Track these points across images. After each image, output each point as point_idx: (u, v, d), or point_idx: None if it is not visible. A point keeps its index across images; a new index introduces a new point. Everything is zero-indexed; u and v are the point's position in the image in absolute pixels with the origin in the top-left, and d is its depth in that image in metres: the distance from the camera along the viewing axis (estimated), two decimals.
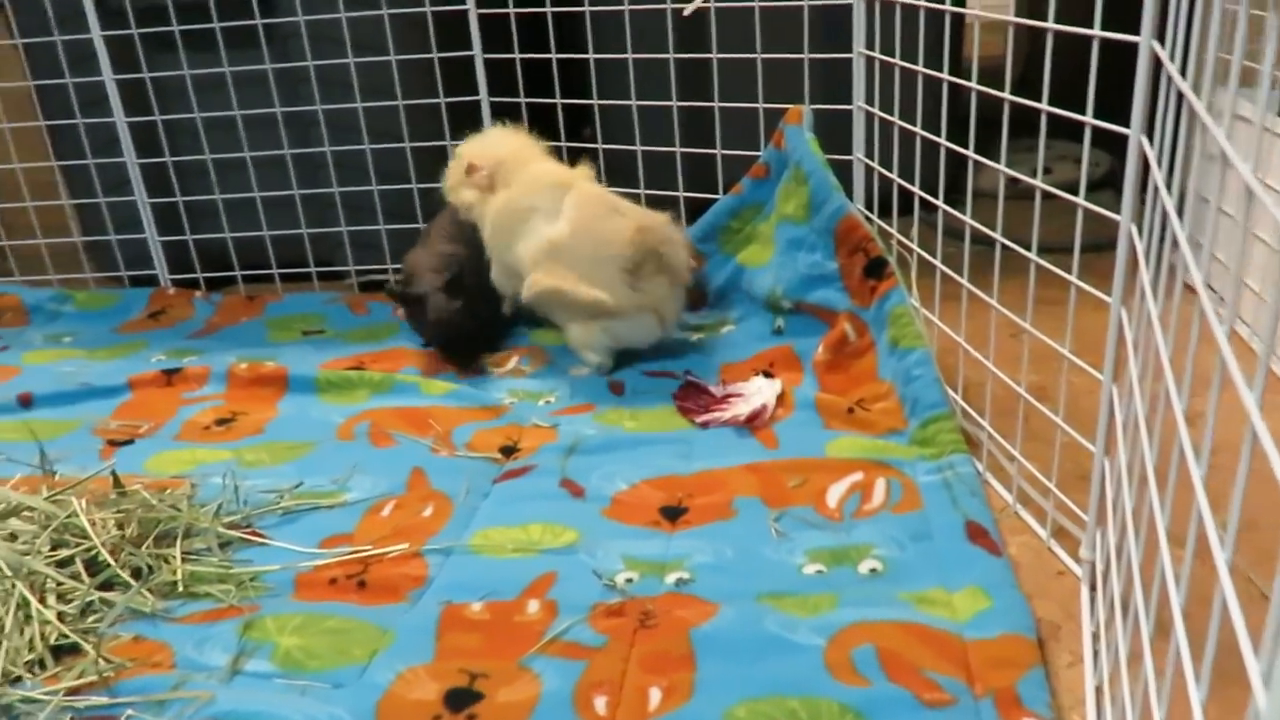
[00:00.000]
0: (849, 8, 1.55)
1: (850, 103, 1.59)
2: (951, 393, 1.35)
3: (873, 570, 1.07)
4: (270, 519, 1.25)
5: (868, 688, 0.89)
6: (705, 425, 1.40)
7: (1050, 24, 1.00)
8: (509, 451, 1.38)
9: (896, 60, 1.40)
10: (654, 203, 1.90)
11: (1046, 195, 1.07)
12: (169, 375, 1.68)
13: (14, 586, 1.03)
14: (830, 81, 1.72)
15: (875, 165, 1.53)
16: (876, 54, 1.49)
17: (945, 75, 1.25)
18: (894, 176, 1.42)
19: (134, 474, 1.36)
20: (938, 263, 1.34)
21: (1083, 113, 0.97)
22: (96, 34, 1.92)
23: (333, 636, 1.02)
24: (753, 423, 1.39)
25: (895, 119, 1.41)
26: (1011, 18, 1.14)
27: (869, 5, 1.52)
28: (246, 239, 2.05)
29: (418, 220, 1.97)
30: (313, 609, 1.07)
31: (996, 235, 1.17)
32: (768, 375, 1.50)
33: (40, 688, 0.95)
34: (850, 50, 1.57)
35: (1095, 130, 0.97)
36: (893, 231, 1.49)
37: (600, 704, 0.91)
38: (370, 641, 1.01)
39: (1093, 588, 1.06)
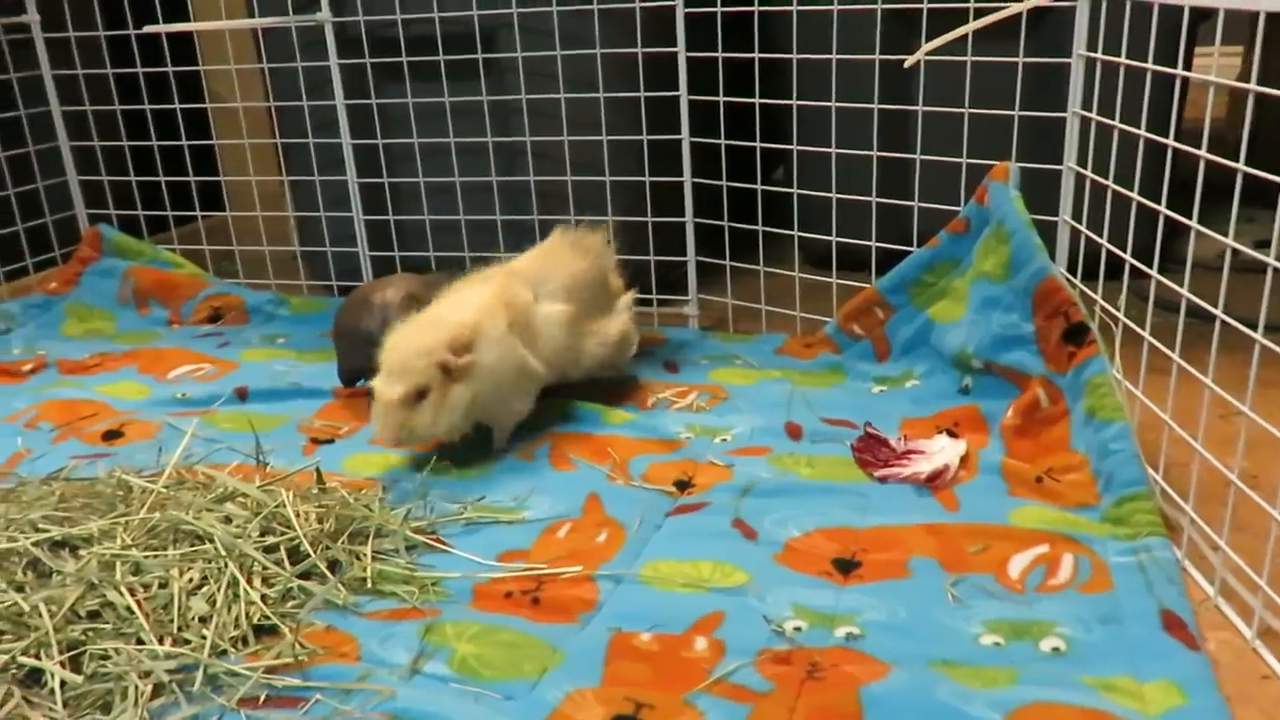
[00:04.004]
0: (1065, 66, 1.51)
1: (1058, 162, 1.54)
2: (1151, 472, 1.28)
3: (1055, 649, 1.03)
4: (453, 528, 1.31)
5: None
6: (884, 480, 1.38)
7: None
8: (683, 486, 1.40)
9: (1117, 123, 1.36)
10: (845, 251, 1.89)
11: (1262, 268, 1.01)
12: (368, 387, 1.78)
13: (226, 566, 1.11)
14: (1037, 140, 1.68)
15: (1083, 228, 1.48)
16: (1094, 114, 1.44)
17: (1171, 141, 1.20)
18: (1103, 241, 1.37)
19: (333, 471, 1.45)
20: (1145, 334, 1.27)
21: None
22: (334, 61, 2.07)
23: (507, 649, 1.06)
24: (933, 482, 1.36)
25: (1110, 182, 1.36)
26: (1253, 86, 1.08)
27: (1089, 64, 1.48)
28: (449, 258, 2.16)
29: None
30: (489, 620, 1.11)
31: (1217, 311, 1.11)
32: (951, 434, 1.46)
33: (243, 663, 1.02)
34: (1063, 109, 1.53)
35: None
36: (1097, 298, 1.43)
37: None
38: (541, 658, 1.04)
39: None
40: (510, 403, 1.50)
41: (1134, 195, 1.28)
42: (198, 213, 2.33)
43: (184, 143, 2.27)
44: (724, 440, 1.53)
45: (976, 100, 1.69)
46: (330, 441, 1.60)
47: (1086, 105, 1.48)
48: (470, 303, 1.46)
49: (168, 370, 1.93)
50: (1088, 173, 1.45)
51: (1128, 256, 1.32)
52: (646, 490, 1.39)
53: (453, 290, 1.51)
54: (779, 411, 1.60)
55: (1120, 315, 1.33)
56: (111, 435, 1.65)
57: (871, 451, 1.44)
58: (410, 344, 1.39)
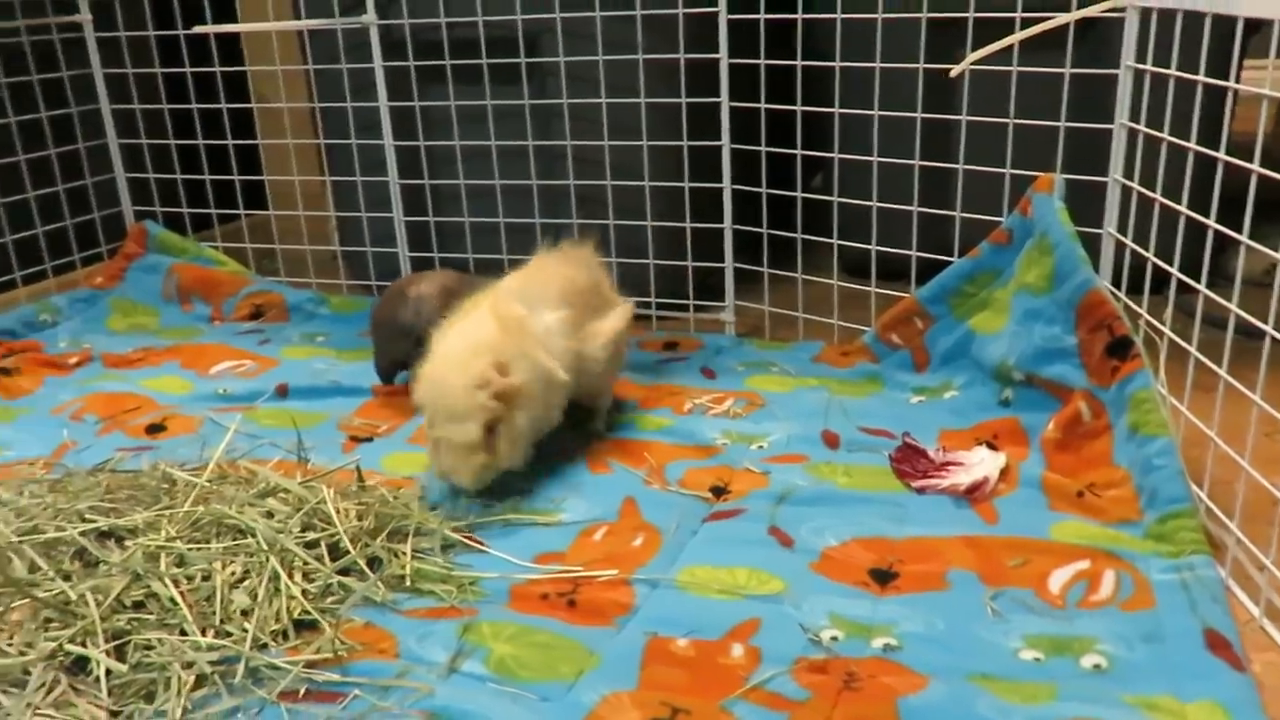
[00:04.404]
0: (1110, 77, 1.50)
1: (1102, 174, 1.53)
2: (1196, 489, 1.27)
3: (1096, 666, 1.02)
4: (490, 529, 1.32)
5: None
6: (921, 490, 1.37)
7: None
8: (719, 492, 1.40)
9: (1165, 135, 1.34)
10: (884, 261, 1.88)
11: None
12: (408, 386, 1.79)
13: (268, 560, 1.13)
14: (1082, 152, 1.66)
15: (1129, 241, 1.46)
16: (1141, 126, 1.43)
17: (1222, 155, 1.19)
18: (1149, 255, 1.35)
19: (371, 469, 1.46)
20: (1192, 349, 1.26)
21: None
22: (378, 64, 2.09)
23: (543, 650, 1.06)
24: (972, 494, 1.35)
25: (1158, 195, 1.34)
26: None
27: (1137, 76, 1.47)
28: (488, 260, 2.17)
29: (648, 256, 2.04)
30: (525, 621, 1.12)
31: (1266, 327, 1.10)
32: (991, 446, 1.45)
33: (283, 657, 1.03)
34: (1107, 121, 1.52)
35: None
36: (1142, 312, 1.41)
37: None
38: (578, 661, 1.05)
39: None
40: (545, 419, 1.43)
41: (1182, 209, 1.27)
42: (241, 211, 2.36)
43: (229, 142, 2.30)
44: (760, 447, 1.53)
45: (1020, 111, 1.68)
46: (369, 439, 1.62)
47: (1134, 117, 1.47)
48: (476, 331, 1.38)
49: (209, 366, 1.96)
50: (1134, 185, 1.44)
51: (1174, 270, 1.31)
52: (683, 495, 1.39)
53: (446, 328, 1.41)
54: (816, 420, 1.59)
55: (1165, 330, 1.32)
56: (155, 429, 1.67)
57: (909, 462, 1.43)
58: (457, 383, 1.30)
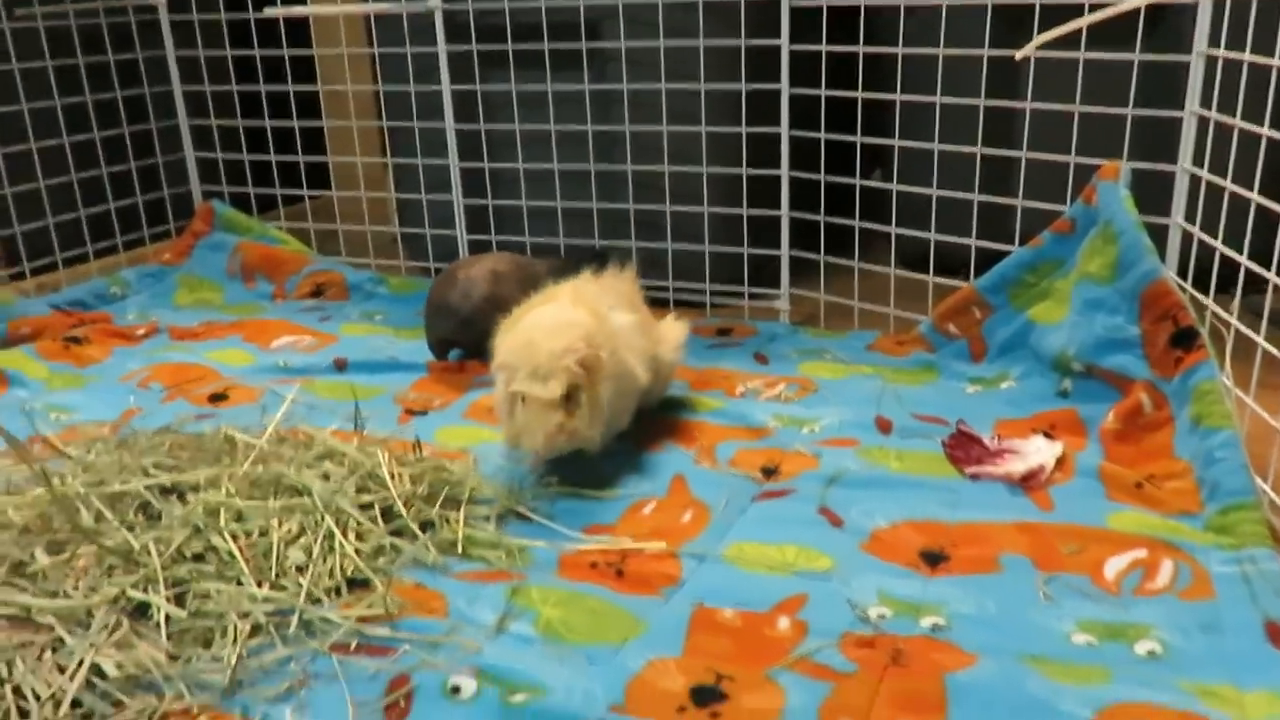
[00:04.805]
0: (1178, 64, 1.47)
1: (1173, 163, 1.50)
2: (1260, 483, 1.24)
3: (1151, 653, 1.00)
4: (540, 501, 1.33)
5: None
6: (975, 477, 1.36)
7: None
8: (769, 473, 1.40)
9: (1238, 121, 1.31)
10: (942, 254, 1.86)
11: None
12: (462, 364, 1.82)
13: (323, 519, 1.15)
14: (1148, 140, 1.63)
15: (1195, 230, 1.43)
16: (1213, 114, 1.40)
17: None
18: (1218, 244, 1.32)
19: (426, 442, 1.48)
20: (1260, 339, 1.23)
21: None
22: (442, 48, 2.12)
23: (591, 616, 1.07)
24: (1027, 482, 1.33)
25: (1228, 183, 1.32)
26: None
27: (1209, 62, 1.44)
28: (543, 244, 2.19)
29: (704, 242, 2.04)
30: (574, 587, 1.13)
31: None
32: (1048, 436, 1.43)
33: (336, 611, 1.05)
34: (1175, 108, 1.49)
35: None
36: (1208, 303, 1.38)
37: None
38: (625, 628, 1.05)
39: None
40: (619, 414, 1.42)
41: (1253, 195, 1.24)
42: (304, 191, 2.40)
43: (294, 123, 2.35)
44: (812, 431, 1.52)
45: (1085, 99, 1.65)
46: (424, 413, 1.64)
47: (1205, 104, 1.44)
48: (566, 312, 1.37)
49: (270, 340, 2.00)
50: (1204, 173, 1.41)
51: (1243, 258, 1.28)
52: (733, 475, 1.39)
53: (525, 309, 1.40)
54: (869, 406, 1.58)
55: (1233, 320, 1.29)
56: (217, 398, 1.71)
57: (964, 449, 1.42)
58: (546, 345, 1.28)
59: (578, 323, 1.34)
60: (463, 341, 1.78)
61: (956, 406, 1.56)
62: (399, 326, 2.07)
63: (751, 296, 2.06)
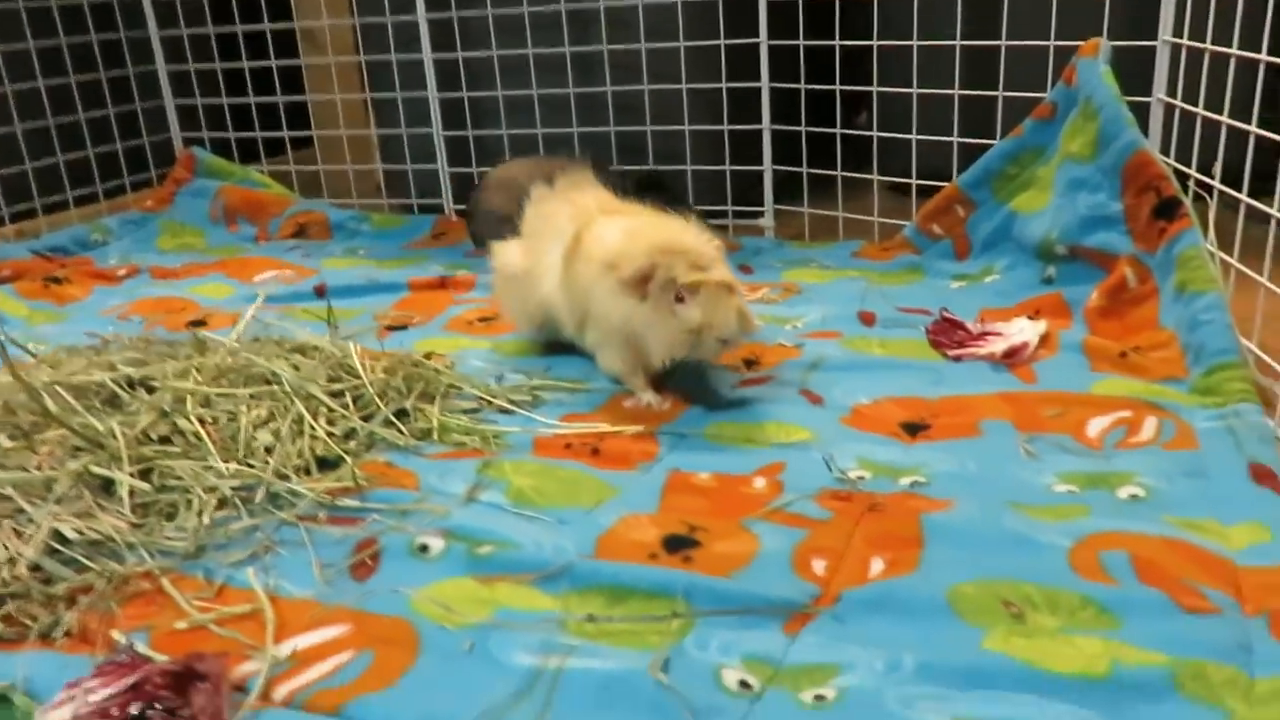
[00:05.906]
0: None
1: (1154, 38, 1.47)
2: (1246, 342, 1.21)
3: (1133, 496, 0.98)
4: (519, 396, 1.31)
5: (1115, 586, 0.81)
6: (958, 359, 1.34)
7: None
8: (750, 364, 1.38)
9: None
10: (926, 148, 1.83)
11: None
12: (443, 280, 1.80)
13: (293, 403, 1.13)
14: (1128, 16, 1.59)
15: (1179, 103, 1.40)
16: None
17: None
18: (1199, 110, 1.30)
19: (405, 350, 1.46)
20: (1243, 196, 1.20)
21: None
22: None
23: (563, 484, 1.05)
24: (1010, 359, 1.31)
25: (1208, 44, 1.29)
26: None
27: None
28: None
29: (686, 162, 2.01)
30: (548, 462, 1.11)
31: None
32: (1032, 319, 1.41)
33: (305, 486, 1.04)
34: None
35: None
36: (1191, 172, 1.36)
37: (819, 566, 0.88)
38: (598, 493, 1.04)
39: None
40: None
41: (1232, 50, 1.22)
42: (285, 133, 2.38)
43: (272, 62, 2.32)
44: (794, 327, 1.50)
45: None
46: (403, 328, 1.62)
47: None
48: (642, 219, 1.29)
49: (253, 275, 1.98)
50: (1184, 41, 1.38)
51: (1223, 119, 1.25)
52: (713, 367, 1.37)
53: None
54: (853, 303, 1.56)
55: (1215, 183, 1.26)
56: (196, 324, 1.69)
57: (946, 334, 1.39)
58: (686, 239, 1.18)
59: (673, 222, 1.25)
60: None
61: (941, 301, 1.54)
62: (382, 259, 2.05)
63: (736, 215, 2.04)
